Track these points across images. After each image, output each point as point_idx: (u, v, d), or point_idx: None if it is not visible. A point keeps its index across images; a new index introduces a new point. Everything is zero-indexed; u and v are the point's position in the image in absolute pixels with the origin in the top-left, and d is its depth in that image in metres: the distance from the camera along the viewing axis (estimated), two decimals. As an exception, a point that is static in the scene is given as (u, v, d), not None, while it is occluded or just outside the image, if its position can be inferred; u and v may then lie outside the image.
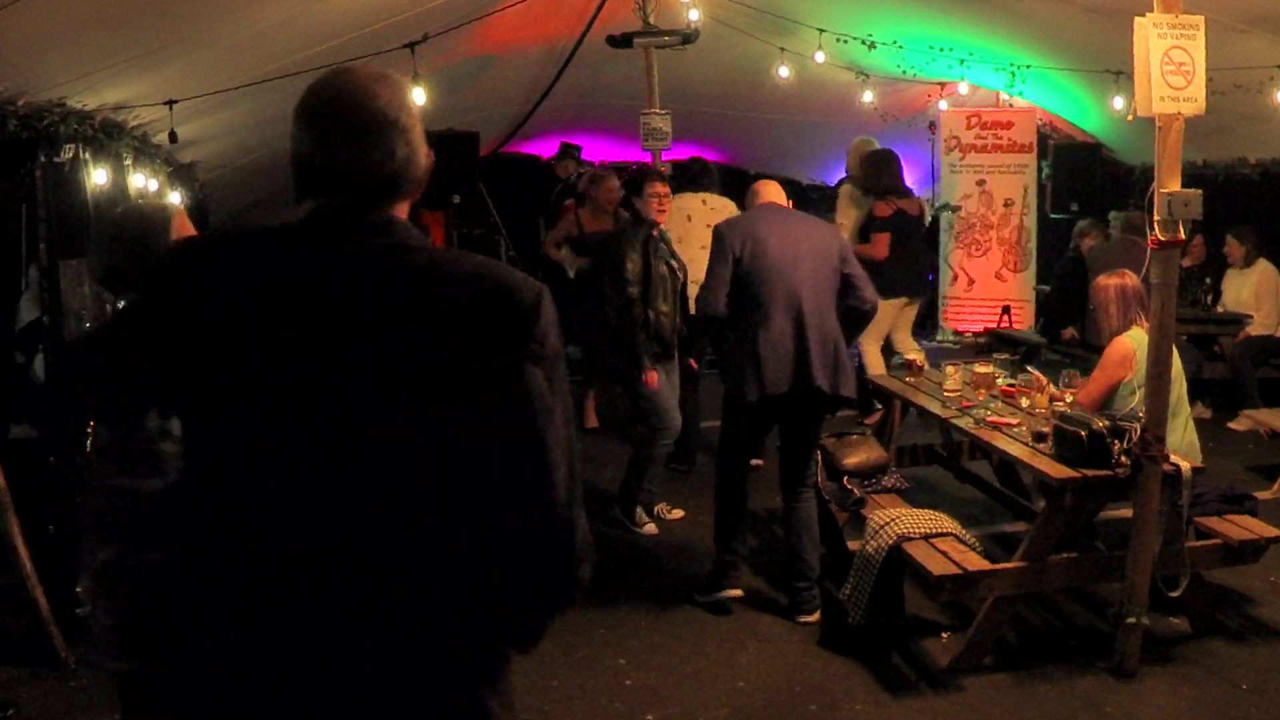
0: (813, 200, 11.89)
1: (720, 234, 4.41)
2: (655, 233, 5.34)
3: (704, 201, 6.53)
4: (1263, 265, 7.59)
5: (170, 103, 4.99)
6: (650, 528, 5.45)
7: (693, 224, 6.42)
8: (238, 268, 1.55)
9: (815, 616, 4.45)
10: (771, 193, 4.63)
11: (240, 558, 1.51)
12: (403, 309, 1.48)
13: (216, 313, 1.51)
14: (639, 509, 5.46)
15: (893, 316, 7.36)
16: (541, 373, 1.50)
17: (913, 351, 6.00)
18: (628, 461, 5.54)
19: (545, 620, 1.58)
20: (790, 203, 4.71)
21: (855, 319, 4.54)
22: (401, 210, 1.58)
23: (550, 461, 1.48)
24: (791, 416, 4.43)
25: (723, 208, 6.42)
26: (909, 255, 7.28)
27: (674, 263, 5.41)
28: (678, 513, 5.57)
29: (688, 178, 6.71)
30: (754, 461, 4.76)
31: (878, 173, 7.33)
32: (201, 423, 1.56)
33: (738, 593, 4.55)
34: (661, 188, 5.35)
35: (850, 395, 4.39)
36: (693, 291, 5.75)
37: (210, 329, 1.51)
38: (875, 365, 7.23)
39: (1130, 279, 4.38)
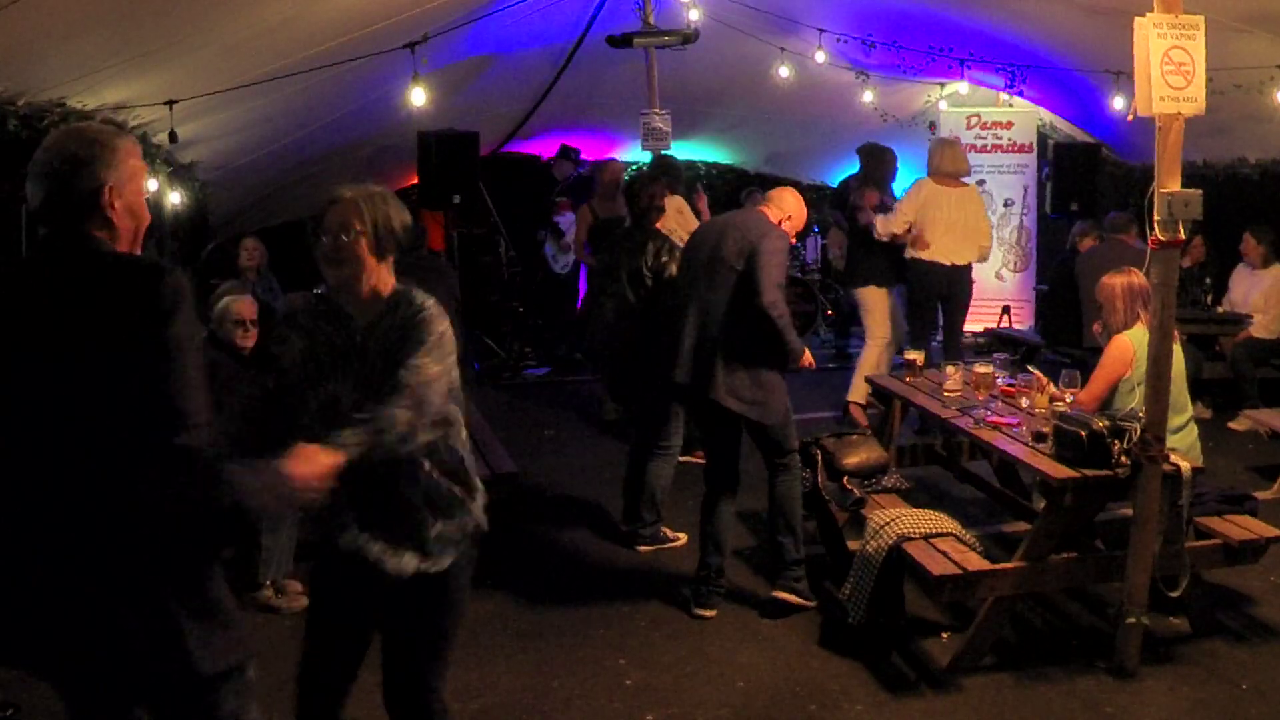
0: (812, 200, 11.90)
1: None
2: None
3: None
4: (1278, 270, 7.56)
5: (170, 103, 4.99)
6: (683, 537, 5.27)
7: None
8: None
9: (789, 596, 4.43)
10: (762, 198, 4.69)
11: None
12: (79, 292, 2.05)
13: None
14: (663, 527, 5.32)
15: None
16: (175, 329, 2.01)
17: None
18: (644, 481, 5.24)
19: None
20: (775, 209, 4.54)
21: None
22: (95, 228, 2.10)
23: (181, 406, 2.01)
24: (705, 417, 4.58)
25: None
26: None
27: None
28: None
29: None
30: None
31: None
32: None
33: (709, 613, 4.49)
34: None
35: (717, 400, 4.34)
36: None
37: None
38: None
39: (1137, 277, 4.38)
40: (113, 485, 2.04)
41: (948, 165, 7.26)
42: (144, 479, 2.03)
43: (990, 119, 10.31)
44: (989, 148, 10.39)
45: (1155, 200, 3.66)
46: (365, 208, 2.56)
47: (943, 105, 10.09)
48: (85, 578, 2.05)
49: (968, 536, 4.19)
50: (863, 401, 7.23)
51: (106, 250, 2.11)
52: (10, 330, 2.09)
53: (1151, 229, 3.69)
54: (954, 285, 7.20)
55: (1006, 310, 10.06)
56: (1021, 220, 10.44)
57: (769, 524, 4.57)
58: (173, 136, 5.22)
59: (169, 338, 2.01)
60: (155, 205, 5.67)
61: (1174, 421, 4.14)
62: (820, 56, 7.89)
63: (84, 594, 2.06)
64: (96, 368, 2.03)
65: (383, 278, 2.62)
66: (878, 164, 7.53)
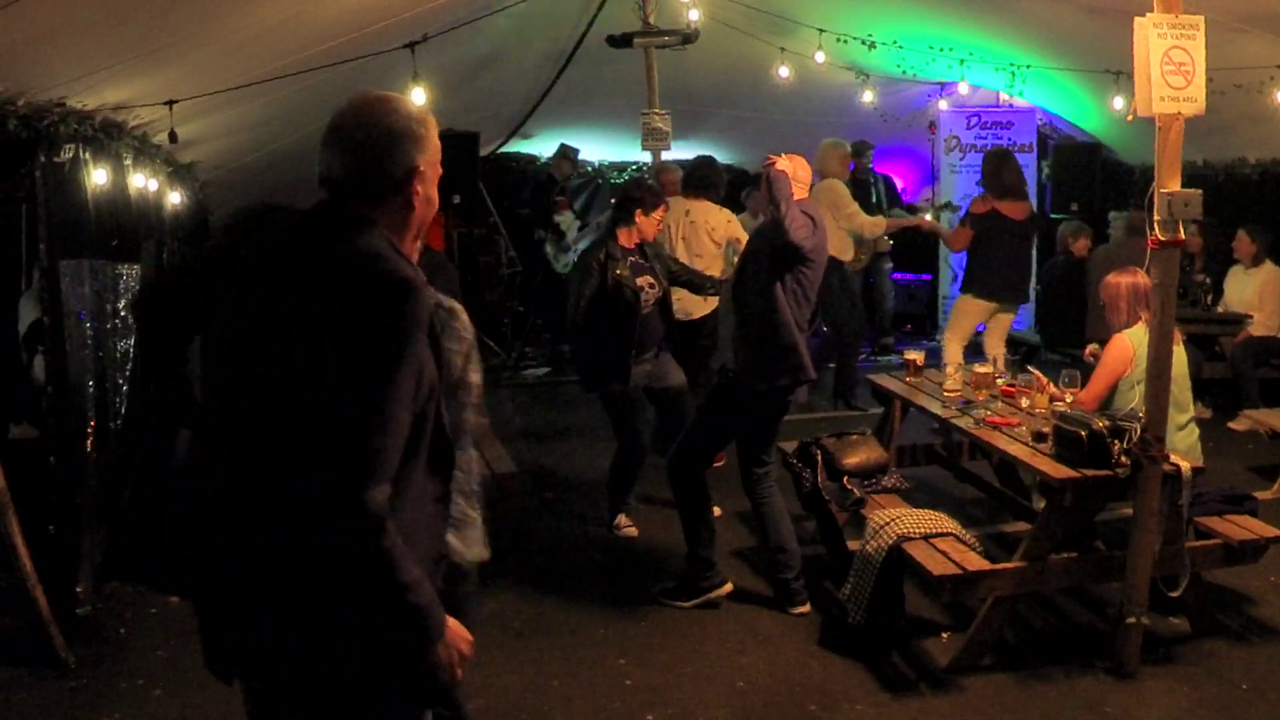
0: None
1: None
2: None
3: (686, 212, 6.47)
4: (1269, 267, 7.56)
5: (170, 103, 4.98)
6: (631, 530, 5.45)
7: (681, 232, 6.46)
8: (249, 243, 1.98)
9: (806, 608, 4.46)
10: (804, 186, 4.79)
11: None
12: (314, 289, 1.83)
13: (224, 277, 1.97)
14: (619, 516, 5.49)
15: (978, 317, 7.28)
16: (390, 358, 1.81)
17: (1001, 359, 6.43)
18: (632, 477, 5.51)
19: None
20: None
21: None
22: (385, 213, 1.92)
23: (369, 452, 1.79)
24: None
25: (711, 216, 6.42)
26: (999, 259, 7.13)
27: (657, 270, 5.33)
28: (632, 531, 5.56)
29: (701, 184, 6.60)
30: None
31: (993, 171, 7.32)
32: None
33: (727, 589, 4.57)
34: (663, 212, 5.35)
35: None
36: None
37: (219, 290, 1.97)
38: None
39: (1140, 277, 4.39)
40: (284, 516, 1.82)
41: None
42: (308, 523, 1.78)
43: (990, 119, 10.30)
44: (989, 148, 10.36)
45: (1155, 200, 3.66)
46: None
47: (943, 105, 10.08)
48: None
49: (968, 536, 4.19)
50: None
51: (369, 247, 1.85)
52: (236, 301, 1.91)
53: (1152, 229, 3.69)
54: None
55: (1007, 310, 10.03)
56: (1022, 220, 10.41)
57: (768, 537, 4.55)
58: (173, 137, 5.21)
59: (380, 367, 1.76)
60: (155, 205, 5.67)
61: (1176, 420, 4.15)
62: (820, 56, 7.88)
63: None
64: (296, 376, 1.79)
65: None
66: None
